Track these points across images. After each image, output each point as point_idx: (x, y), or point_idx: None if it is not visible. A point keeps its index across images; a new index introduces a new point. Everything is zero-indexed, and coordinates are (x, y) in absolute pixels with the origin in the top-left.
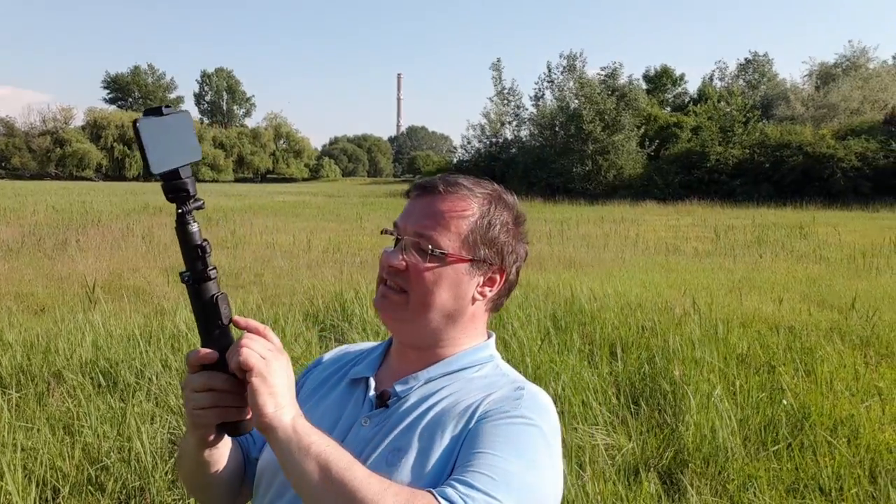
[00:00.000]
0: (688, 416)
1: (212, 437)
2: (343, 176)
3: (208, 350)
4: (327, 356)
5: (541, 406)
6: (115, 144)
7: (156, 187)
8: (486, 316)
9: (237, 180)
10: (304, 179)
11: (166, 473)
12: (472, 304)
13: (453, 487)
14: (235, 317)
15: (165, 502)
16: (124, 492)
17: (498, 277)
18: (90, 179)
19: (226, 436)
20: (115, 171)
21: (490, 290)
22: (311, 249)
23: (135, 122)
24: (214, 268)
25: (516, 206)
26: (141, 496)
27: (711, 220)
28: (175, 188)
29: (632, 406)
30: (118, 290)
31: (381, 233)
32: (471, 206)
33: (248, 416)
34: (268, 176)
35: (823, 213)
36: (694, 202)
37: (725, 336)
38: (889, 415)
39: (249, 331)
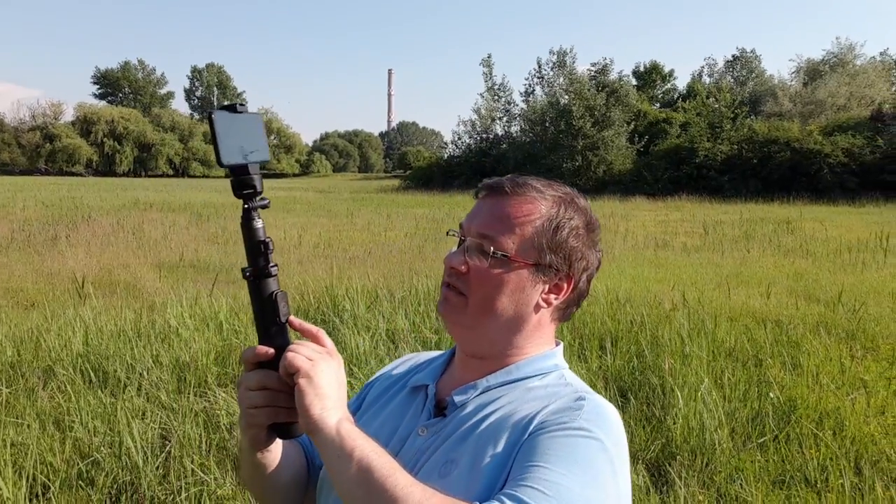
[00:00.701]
0: (676, 410)
1: (262, 438)
2: (334, 171)
3: (265, 347)
4: (392, 365)
5: (603, 418)
6: (105, 140)
7: (146, 183)
8: (553, 325)
9: (227, 176)
10: (295, 175)
11: (157, 468)
12: (536, 311)
13: (501, 502)
14: (291, 317)
15: (157, 497)
16: (115, 487)
17: (565, 285)
18: (80, 175)
19: (277, 439)
20: (105, 167)
21: (556, 298)
22: (302, 245)
23: (210, 113)
24: (275, 265)
25: (589, 210)
26: (132, 491)
27: (700, 215)
28: (243, 183)
29: (620, 399)
30: (109, 286)
31: (447, 234)
32: (538, 209)
33: (295, 420)
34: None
35: (810, 208)
36: (683, 197)
37: (713, 330)
38: (874, 407)
39: (303, 333)
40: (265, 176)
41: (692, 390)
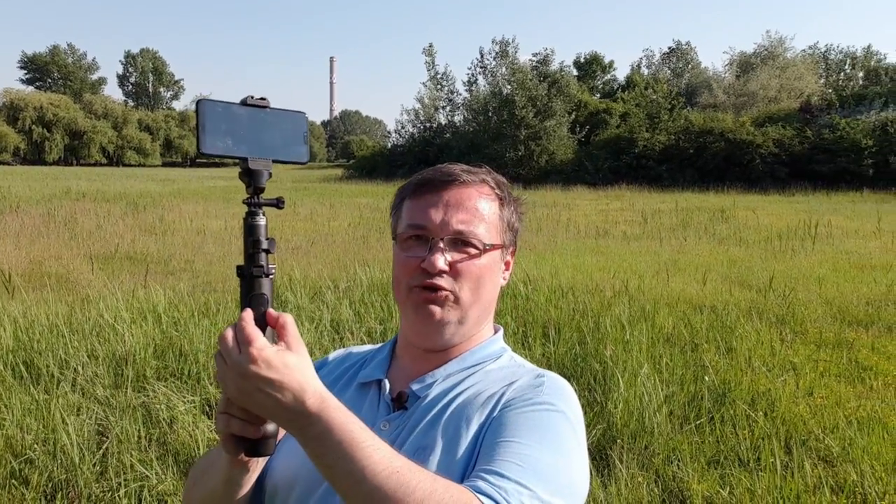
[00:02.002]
0: (617, 394)
1: (230, 449)
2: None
3: None
4: (330, 358)
5: (563, 391)
6: (33, 127)
7: (78, 172)
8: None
9: (165, 164)
10: (236, 164)
11: (94, 465)
12: (497, 291)
13: (483, 479)
14: (270, 311)
15: (94, 494)
16: (50, 485)
17: (511, 259)
18: (7, 163)
19: (252, 465)
20: (33, 155)
21: (507, 274)
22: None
23: (197, 101)
24: (261, 266)
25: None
26: (68, 489)
27: (639, 204)
28: (245, 177)
29: None
30: (39, 279)
31: (408, 238)
32: (493, 192)
33: (260, 436)
34: (197, 160)
35: (743, 197)
36: (623, 187)
37: (653, 317)
38: (803, 389)
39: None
40: (205, 165)
41: (632, 376)
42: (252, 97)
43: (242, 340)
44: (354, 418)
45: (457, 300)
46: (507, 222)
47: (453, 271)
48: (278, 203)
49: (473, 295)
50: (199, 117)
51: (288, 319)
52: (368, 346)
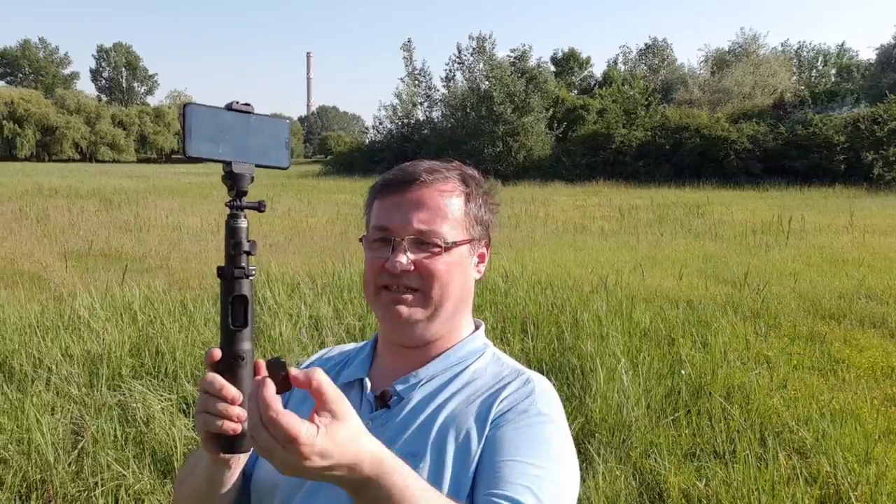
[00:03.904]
0: (595, 389)
1: (211, 447)
2: None
3: (216, 350)
4: (311, 360)
5: (550, 396)
6: (4, 123)
7: (50, 168)
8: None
9: (140, 161)
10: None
11: (69, 465)
12: (471, 284)
13: None
14: (294, 372)
15: (69, 494)
16: (25, 485)
17: (485, 251)
18: None
19: (234, 463)
20: (4, 151)
21: (482, 266)
22: (221, 231)
23: (184, 105)
24: (242, 267)
25: (481, 176)
26: (43, 489)
27: (616, 199)
28: (228, 180)
29: None
30: (11, 277)
31: (374, 240)
32: (457, 188)
33: (238, 433)
34: (173, 156)
35: (718, 192)
36: (600, 182)
37: (630, 311)
38: (776, 381)
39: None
40: (181, 161)
41: (610, 370)
42: (237, 102)
43: (284, 439)
44: (410, 473)
45: (424, 298)
46: (475, 216)
47: (419, 270)
48: (259, 206)
49: (441, 292)
50: (185, 121)
51: (321, 379)
52: (351, 345)
